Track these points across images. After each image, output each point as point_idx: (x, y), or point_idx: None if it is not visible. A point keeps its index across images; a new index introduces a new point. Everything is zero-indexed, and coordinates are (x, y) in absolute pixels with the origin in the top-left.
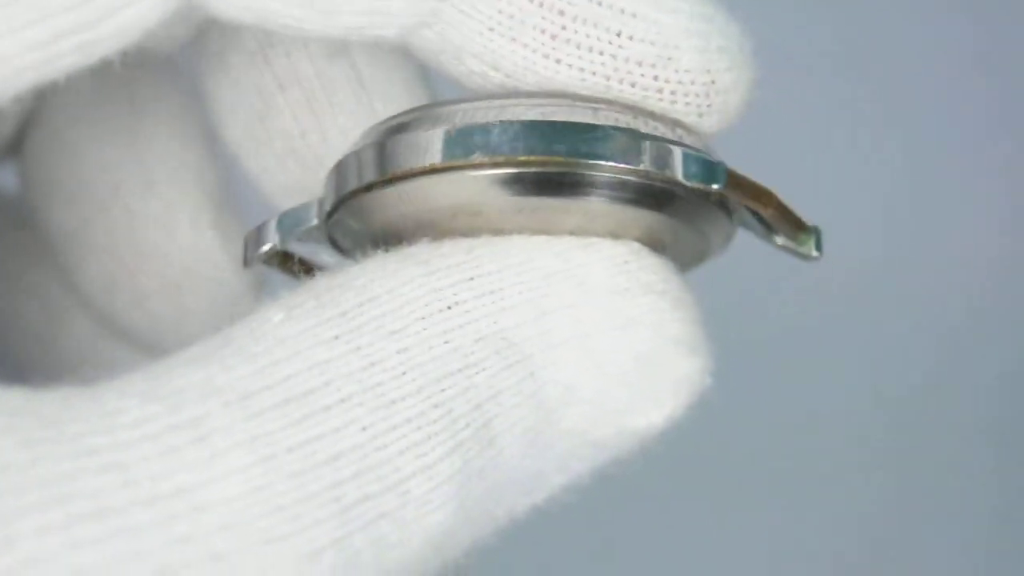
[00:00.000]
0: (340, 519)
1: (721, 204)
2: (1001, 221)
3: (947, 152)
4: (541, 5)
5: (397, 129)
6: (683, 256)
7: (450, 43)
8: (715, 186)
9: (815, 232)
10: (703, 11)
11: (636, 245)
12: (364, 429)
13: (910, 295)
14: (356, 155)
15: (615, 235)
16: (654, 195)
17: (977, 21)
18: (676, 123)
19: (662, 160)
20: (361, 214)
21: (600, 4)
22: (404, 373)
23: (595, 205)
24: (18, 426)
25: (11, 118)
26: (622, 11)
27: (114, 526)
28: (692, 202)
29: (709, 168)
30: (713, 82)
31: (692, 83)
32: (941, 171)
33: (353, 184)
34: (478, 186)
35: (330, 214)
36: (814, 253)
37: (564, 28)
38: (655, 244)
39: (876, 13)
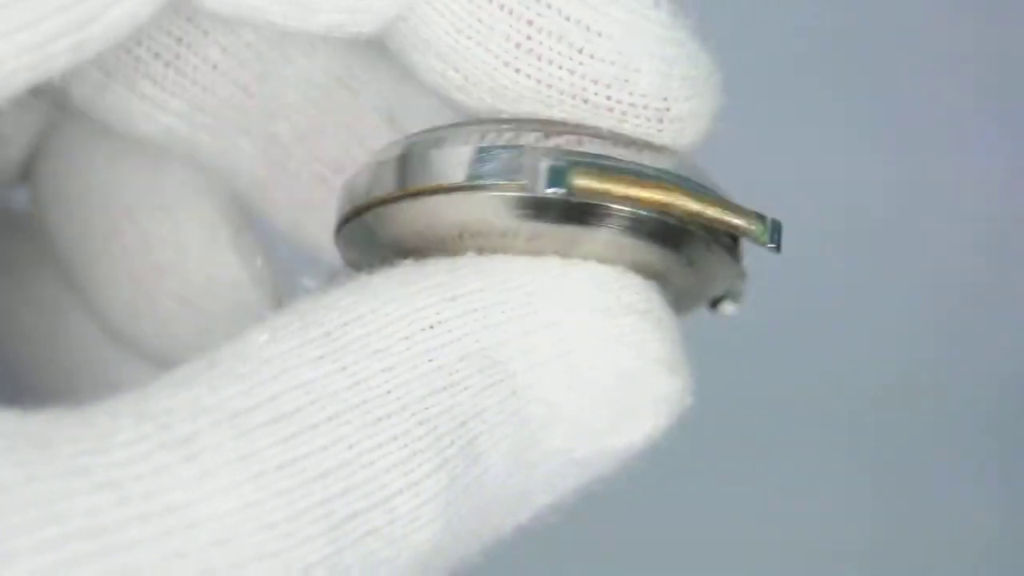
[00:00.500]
0: (330, 536)
1: (731, 248)
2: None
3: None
4: (511, 13)
5: (415, 146)
6: (687, 295)
7: (419, 38)
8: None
9: (762, 223)
10: (673, 36)
11: (620, 267)
12: (351, 447)
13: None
14: (373, 168)
15: (615, 264)
16: (664, 231)
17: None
18: (647, 145)
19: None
20: (372, 227)
21: (568, 19)
22: (389, 392)
23: (604, 235)
24: (12, 447)
25: (20, 143)
26: (588, 28)
27: (110, 543)
28: (701, 242)
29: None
30: (668, 109)
31: (645, 107)
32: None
33: (368, 196)
34: (484, 208)
35: (342, 224)
36: (768, 244)
37: (529, 39)
38: (659, 279)
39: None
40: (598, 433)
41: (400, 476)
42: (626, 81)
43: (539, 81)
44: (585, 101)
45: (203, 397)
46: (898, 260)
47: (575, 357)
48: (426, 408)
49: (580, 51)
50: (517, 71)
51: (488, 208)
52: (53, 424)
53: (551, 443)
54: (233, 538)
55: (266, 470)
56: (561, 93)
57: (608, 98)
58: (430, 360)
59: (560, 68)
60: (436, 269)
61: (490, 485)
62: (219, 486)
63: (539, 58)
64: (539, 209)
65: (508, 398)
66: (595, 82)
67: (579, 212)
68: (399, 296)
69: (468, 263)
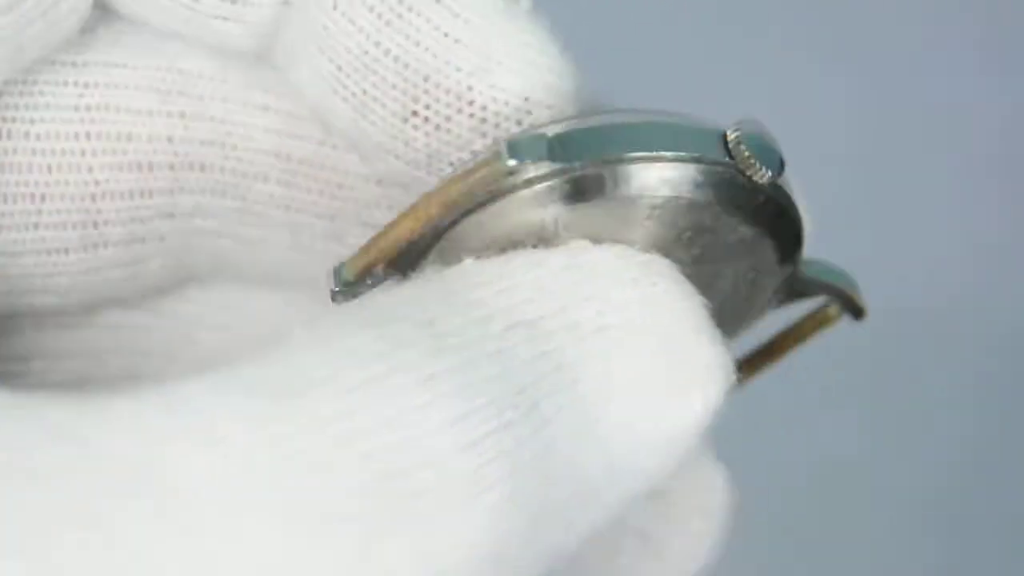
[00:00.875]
0: (370, 491)
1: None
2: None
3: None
4: None
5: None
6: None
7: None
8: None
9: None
10: (535, 40)
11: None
12: (395, 406)
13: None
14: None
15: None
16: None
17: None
18: None
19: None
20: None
21: (438, 2)
22: (439, 351)
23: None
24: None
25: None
26: (454, 14)
27: None
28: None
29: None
30: (530, 112)
31: (506, 104)
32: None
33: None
34: (531, 202)
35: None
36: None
37: (400, 17)
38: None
39: None
40: (653, 405)
41: (455, 435)
42: (486, 72)
43: (397, 59)
44: (447, 91)
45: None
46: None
47: (615, 328)
48: (478, 369)
49: (445, 34)
50: (377, 44)
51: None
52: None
53: (610, 418)
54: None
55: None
56: (425, 79)
57: (469, 88)
58: (477, 325)
59: (425, 50)
60: (459, 267)
61: (559, 461)
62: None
63: (406, 37)
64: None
65: (560, 369)
66: (458, 69)
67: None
68: (432, 285)
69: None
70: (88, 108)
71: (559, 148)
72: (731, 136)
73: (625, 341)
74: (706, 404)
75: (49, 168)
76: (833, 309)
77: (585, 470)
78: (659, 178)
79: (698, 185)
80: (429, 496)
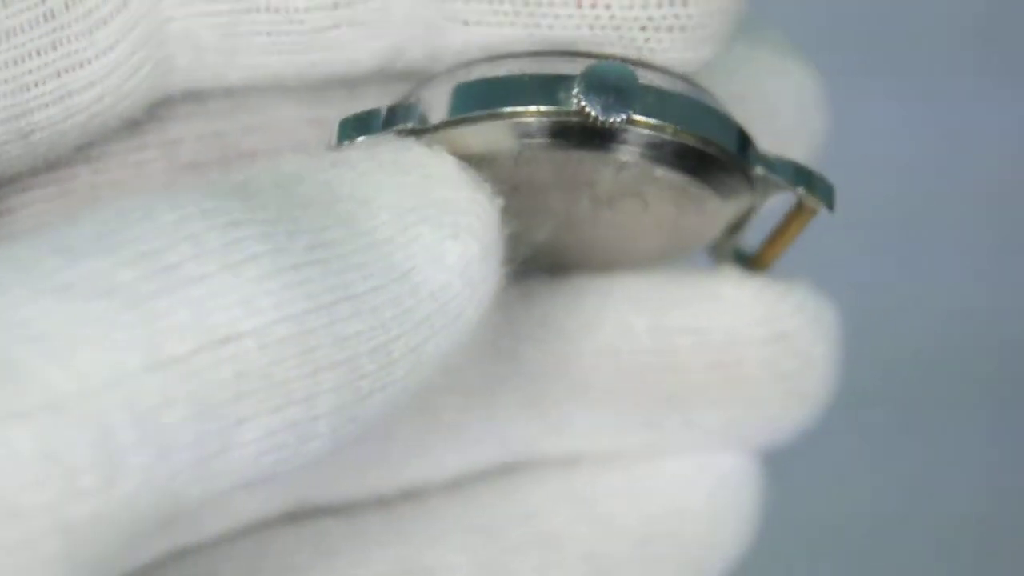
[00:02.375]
0: None
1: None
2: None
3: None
4: None
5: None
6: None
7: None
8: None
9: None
10: None
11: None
12: None
13: None
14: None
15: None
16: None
17: None
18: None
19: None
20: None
21: None
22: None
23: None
24: None
25: None
26: None
27: None
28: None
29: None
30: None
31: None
32: None
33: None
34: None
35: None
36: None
37: None
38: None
39: None
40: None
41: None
42: None
43: None
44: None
45: None
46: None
47: (384, 167)
48: (261, 188)
49: None
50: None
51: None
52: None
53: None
54: None
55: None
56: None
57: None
58: (271, 175)
59: None
60: None
61: (334, 256)
62: None
63: None
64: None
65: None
66: None
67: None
68: None
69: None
70: None
71: (404, 114)
72: (575, 84)
73: (392, 176)
74: (476, 245)
75: None
76: (808, 202)
77: (368, 270)
78: (502, 135)
79: (536, 134)
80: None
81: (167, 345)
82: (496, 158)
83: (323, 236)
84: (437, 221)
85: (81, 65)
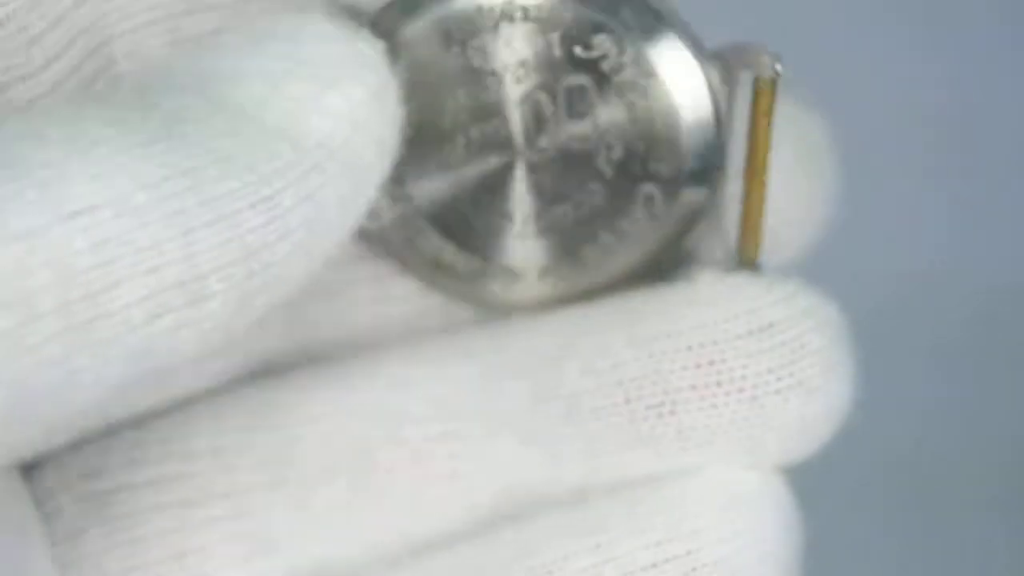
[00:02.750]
0: None
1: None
2: None
3: None
4: None
5: None
6: None
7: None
8: None
9: None
10: None
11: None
12: None
13: None
14: None
15: None
16: None
17: None
18: None
19: None
20: None
21: None
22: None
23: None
24: None
25: None
26: None
27: None
28: None
29: None
30: None
31: None
32: None
33: None
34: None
35: None
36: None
37: None
38: None
39: None
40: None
41: None
42: None
43: None
44: None
45: None
46: None
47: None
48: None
49: None
50: None
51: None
52: None
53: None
54: None
55: None
56: None
57: None
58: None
59: None
60: None
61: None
62: None
63: None
64: None
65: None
66: None
67: None
68: None
69: None
70: None
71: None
72: None
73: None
74: (360, 90)
75: None
76: (762, 80)
77: (237, 135)
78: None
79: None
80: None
81: (15, 221)
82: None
83: (181, 113)
84: (312, 76)
85: (23, 79)
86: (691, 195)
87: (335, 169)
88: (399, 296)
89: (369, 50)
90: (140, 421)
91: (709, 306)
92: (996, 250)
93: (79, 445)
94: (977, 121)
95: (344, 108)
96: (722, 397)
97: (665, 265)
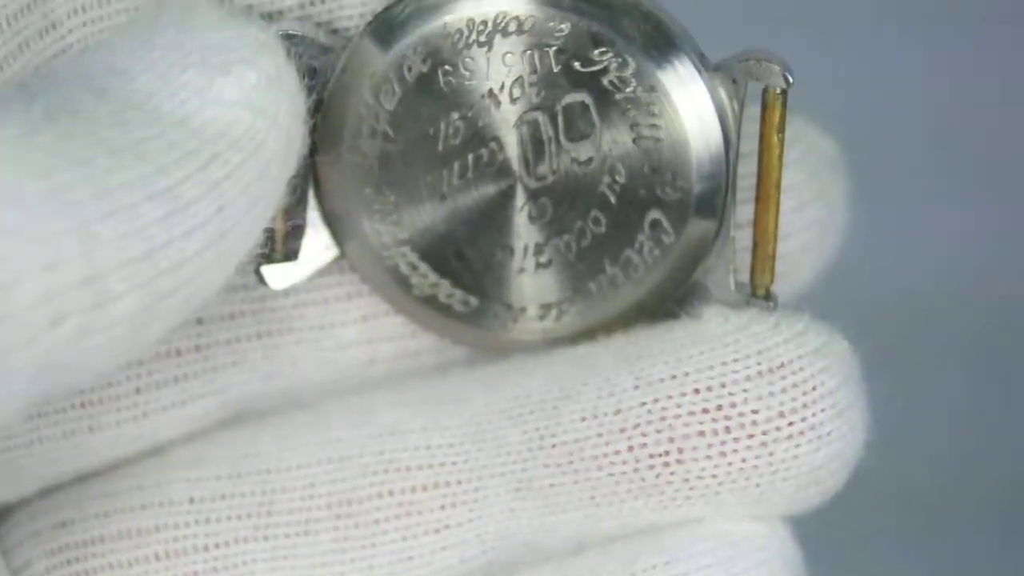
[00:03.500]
0: None
1: None
2: None
3: None
4: None
5: None
6: None
7: None
8: None
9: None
10: None
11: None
12: None
13: None
14: None
15: None
16: None
17: None
18: None
19: None
20: None
21: None
22: None
23: None
24: None
25: None
26: None
27: None
28: None
29: None
30: None
31: None
32: None
33: None
34: None
35: None
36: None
37: None
38: None
39: None
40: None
41: None
42: None
43: None
44: None
45: None
46: None
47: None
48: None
49: None
50: None
51: None
52: None
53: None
54: None
55: None
56: None
57: None
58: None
59: None
60: None
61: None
62: None
63: None
64: None
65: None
66: None
67: None
68: None
69: None
70: None
71: None
72: None
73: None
74: (255, 74)
75: None
76: (771, 92)
77: (128, 126)
78: None
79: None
80: None
81: None
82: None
83: (65, 105)
84: (203, 64)
85: None
86: (700, 220)
87: (238, 158)
88: (389, 337)
89: (262, 34)
90: (115, 466)
91: (716, 346)
92: (1013, 261)
93: (50, 493)
94: (996, 132)
95: (241, 95)
96: (731, 444)
97: (672, 299)
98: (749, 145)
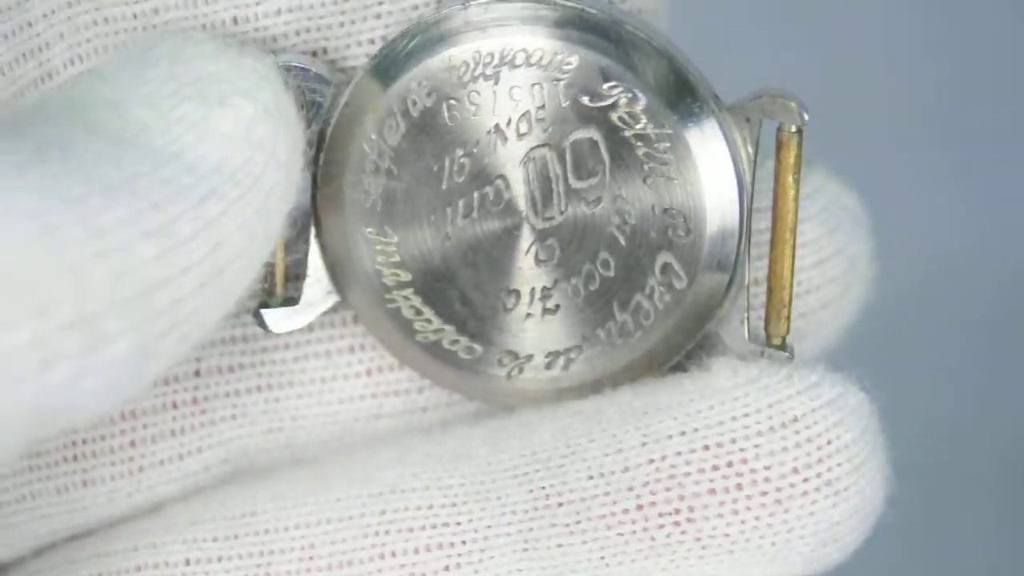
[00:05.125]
0: None
1: None
2: None
3: None
4: None
5: None
6: None
7: None
8: None
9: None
10: None
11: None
12: None
13: None
14: None
15: None
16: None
17: None
18: None
19: None
20: None
21: None
22: None
23: None
24: None
25: None
26: None
27: None
28: None
29: None
30: None
31: None
32: None
33: None
34: None
35: None
36: None
37: None
38: None
39: None
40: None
41: None
42: None
43: None
44: None
45: None
46: None
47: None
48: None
49: None
50: None
51: None
52: None
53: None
54: None
55: None
56: None
57: None
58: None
59: None
60: None
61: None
62: None
63: None
64: None
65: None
66: None
67: None
68: None
69: None
70: None
71: None
72: None
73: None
74: (252, 106)
75: None
76: (785, 131)
77: (123, 162)
78: None
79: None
80: None
81: None
82: None
83: (56, 141)
84: (199, 97)
85: None
86: (713, 265)
87: (235, 193)
88: (395, 391)
89: (259, 64)
90: (110, 525)
91: (726, 400)
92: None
93: (44, 553)
94: (998, 104)
95: (238, 129)
96: (743, 502)
97: (683, 350)
98: (763, 198)
